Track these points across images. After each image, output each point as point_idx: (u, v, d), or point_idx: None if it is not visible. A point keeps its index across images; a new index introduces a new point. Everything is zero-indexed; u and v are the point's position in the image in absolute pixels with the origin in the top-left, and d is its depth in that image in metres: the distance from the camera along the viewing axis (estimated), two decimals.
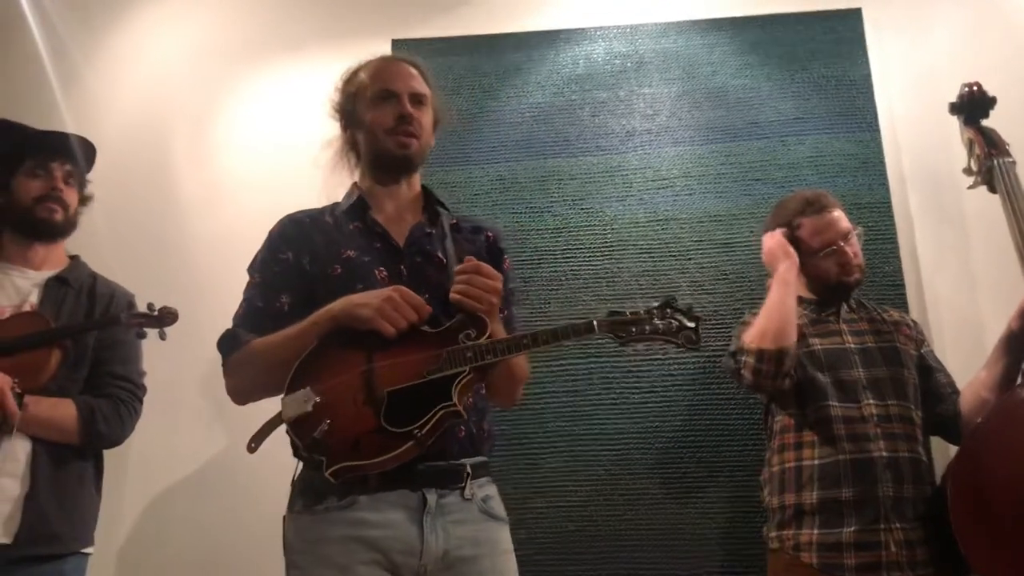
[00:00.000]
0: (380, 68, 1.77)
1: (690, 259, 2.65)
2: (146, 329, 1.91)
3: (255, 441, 1.53)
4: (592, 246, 2.68)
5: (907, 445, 1.98)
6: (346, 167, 1.82)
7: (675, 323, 1.51)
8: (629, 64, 2.88)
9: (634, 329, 1.50)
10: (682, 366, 2.54)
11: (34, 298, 2.00)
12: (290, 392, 1.49)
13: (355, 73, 1.80)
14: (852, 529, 1.91)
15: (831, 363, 2.05)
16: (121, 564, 2.53)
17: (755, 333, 2.05)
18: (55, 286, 2.03)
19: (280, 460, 2.57)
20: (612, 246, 2.68)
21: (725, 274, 2.62)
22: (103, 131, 2.93)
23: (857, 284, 2.19)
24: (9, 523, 1.78)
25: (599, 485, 2.45)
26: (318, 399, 1.47)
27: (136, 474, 2.59)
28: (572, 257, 2.67)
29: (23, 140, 2.10)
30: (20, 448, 1.82)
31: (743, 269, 2.62)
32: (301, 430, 1.46)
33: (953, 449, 2.14)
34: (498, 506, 1.63)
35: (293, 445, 1.53)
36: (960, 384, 2.13)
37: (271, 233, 1.73)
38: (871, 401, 2.00)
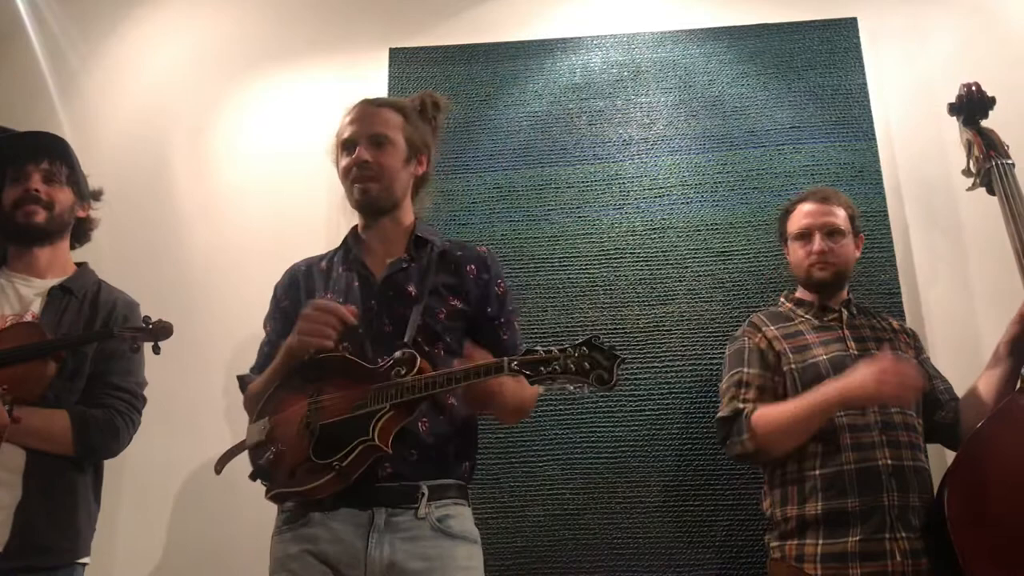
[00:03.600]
0: (345, 118, 1.86)
1: (687, 267, 2.65)
2: (140, 343, 1.89)
3: (220, 464, 1.70)
4: (589, 254, 2.68)
5: (911, 453, 1.96)
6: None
7: (588, 364, 1.40)
8: (626, 73, 2.88)
9: (543, 369, 1.43)
10: (678, 373, 2.53)
11: (36, 307, 1.97)
12: (254, 422, 1.65)
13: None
14: (857, 539, 1.88)
15: (836, 374, 2.00)
16: (118, 575, 2.51)
17: (762, 429, 1.98)
18: (58, 295, 2.00)
19: None
20: (609, 254, 2.68)
21: (722, 282, 2.62)
22: (101, 140, 2.95)
23: (828, 282, 2.14)
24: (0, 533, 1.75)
25: (595, 493, 2.45)
26: (270, 429, 1.61)
27: (133, 484, 2.57)
28: (569, 265, 2.67)
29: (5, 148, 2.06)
30: (14, 458, 1.80)
31: (740, 277, 2.62)
32: (254, 457, 1.63)
33: (948, 457, 2.13)
34: (459, 525, 1.66)
35: None
36: (957, 393, 2.12)
37: (276, 285, 1.90)
38: (875, 408, 1.97)
